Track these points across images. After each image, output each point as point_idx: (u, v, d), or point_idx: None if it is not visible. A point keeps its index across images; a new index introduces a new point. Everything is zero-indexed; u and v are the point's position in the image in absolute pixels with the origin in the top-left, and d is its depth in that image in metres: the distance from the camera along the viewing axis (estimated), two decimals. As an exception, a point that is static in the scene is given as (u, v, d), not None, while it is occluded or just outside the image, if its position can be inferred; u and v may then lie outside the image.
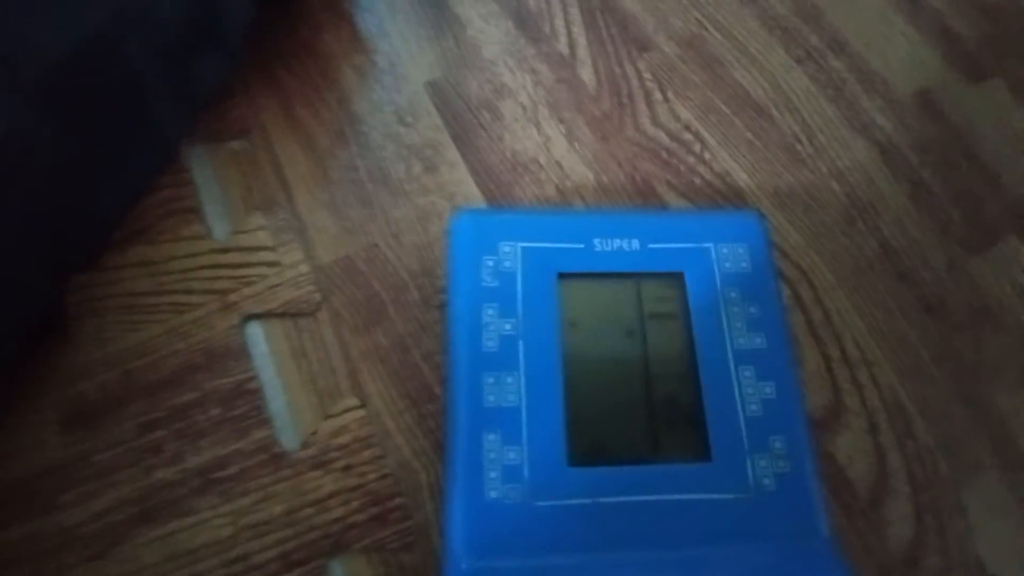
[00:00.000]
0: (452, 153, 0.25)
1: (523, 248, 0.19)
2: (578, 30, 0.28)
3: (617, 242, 0.19)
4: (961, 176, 0.26)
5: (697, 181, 0.25)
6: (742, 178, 0.25)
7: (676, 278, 0.19)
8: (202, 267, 0.22)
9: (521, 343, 0.17)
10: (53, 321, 0.21)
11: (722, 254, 0.19)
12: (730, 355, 0.18)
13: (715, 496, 0.16)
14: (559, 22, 0.28)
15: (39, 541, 0.18)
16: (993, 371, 0.22)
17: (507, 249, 0.19)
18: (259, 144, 0.25)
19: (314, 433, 0.20)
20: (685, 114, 0.26)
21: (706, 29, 0.28)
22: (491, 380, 0.17)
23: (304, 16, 0.28)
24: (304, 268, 0.22)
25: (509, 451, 0.16)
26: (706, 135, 0.26)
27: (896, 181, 0.25)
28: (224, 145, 0.24)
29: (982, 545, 0.20)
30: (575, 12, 0.29)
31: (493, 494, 0.16)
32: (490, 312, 0.18)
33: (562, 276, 0.19)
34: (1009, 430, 0.21)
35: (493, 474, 0.16)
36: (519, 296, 0.18)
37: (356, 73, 0.26)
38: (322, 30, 0.27)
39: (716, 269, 0.19)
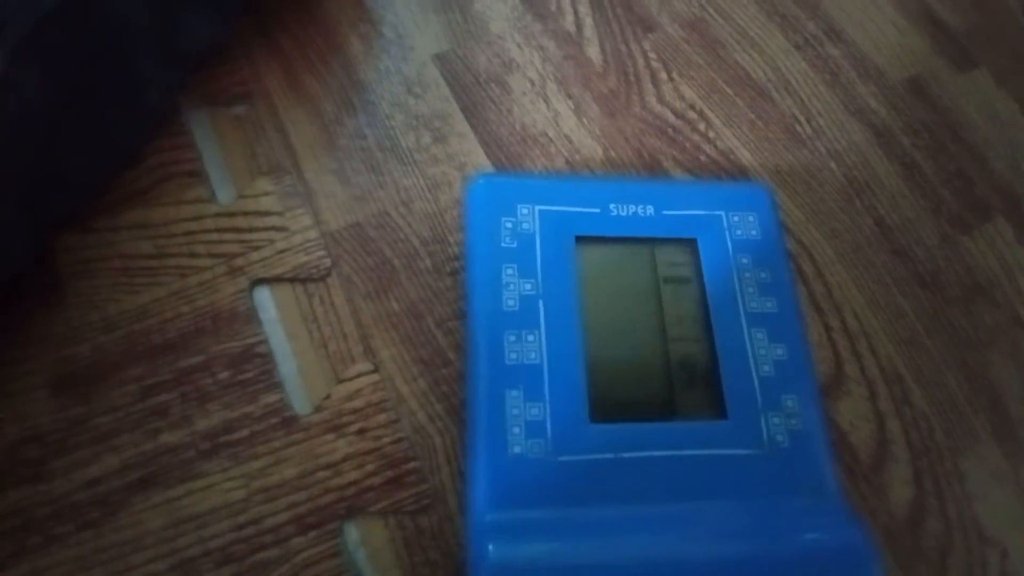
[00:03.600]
0: (462, 124, 0.25)
1: (540, 211, 0.19)
2: (584, 9, 0.28)
3: (632, 208, 0.19)
4: (951, 158, 0.27)
5: (702, 158, 0.25)
6: (745, 156, 0.26)
7: (689, 244, 0.19)
8: (206, 231, 0.21)
9: (541, 303, 0.18)
10: (37, 280, 0.20)
11: (733, 222, 0.20)
12: (743, 318, 0.18)
13: (731, 452, 0.17)
14: (565, 0, 0.28)
15: (26, 511, 0.18)
16: (984, 344, 0.23)
17: (525, 211, 0.19)
18: (262, 109, 0.24)
19: (327, 397, 0.19)
20: (689, 93, 0.27)
21: (708, 12, 0.29)
22: (512, 338, 0.17)
23: (308, -17, 0.27)
24: (313, 234, 0.22)
25: (531, 407, 0.16)
26: (710, 114, 0.26)
27: (890, 162, 0.26)
28: (226, 109, 0.24)
29: (981, 511, 0.20)
30: (581, -9, 0.29)
31: (516, 449, 0.16)
32: (510, 272, 0.18)
33: (579, 239, 0.19)
34: (1002, 401, 0.22)
35: (516, 430, 0.16)
36: (538, 257, 0.18)
37: (361, 42, 0.26)
38: (326, -2, 0.27)
39: (728, 236, 0.20)
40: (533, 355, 0.17)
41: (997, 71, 0.29)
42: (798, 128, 0.27)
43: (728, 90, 0.27)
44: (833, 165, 0.26)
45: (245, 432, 0.19)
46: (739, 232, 0.20)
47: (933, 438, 0.21)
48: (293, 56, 0.25)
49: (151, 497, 0.18)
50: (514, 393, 0.16)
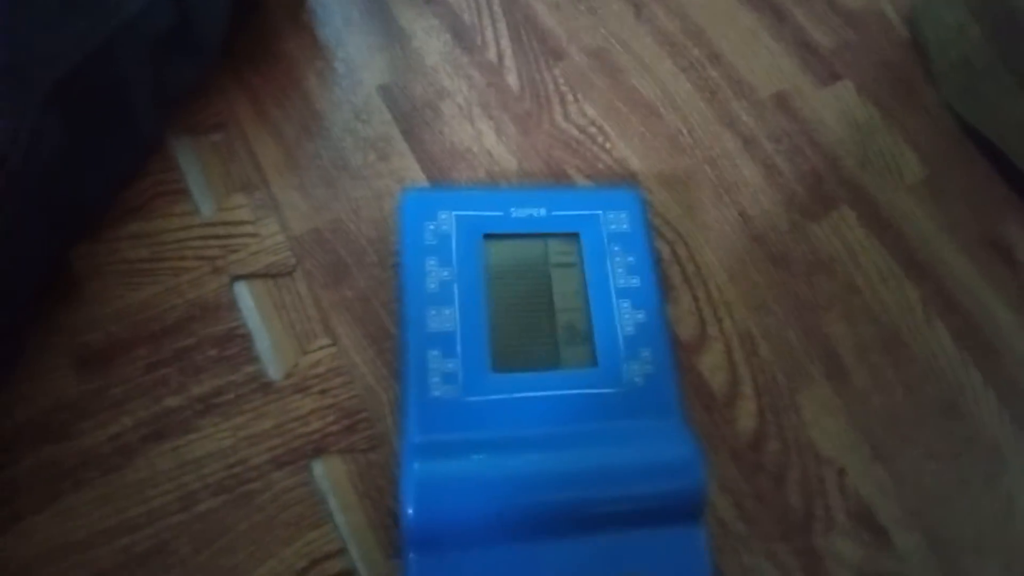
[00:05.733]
0: (401, 145, 0.30)
1: (456, 216, 0.24)
2: (505, 42, 0.34)
3: (529, 210, 0.25)
4: (805, 160, 0.33)
5: (600, 166, 0.31)
6: (635, 163, 0.31)
7: (574, 237, 0.25)
8: (193, 238, 0.27)
9: (455, 285, 0.23)
10: (59, 281, 0.25)
11: (608, 219, 0.26)
12: (613, 292, 0.24)
13: (600, 391, 0.22)
14: (489, 35, 0.34)
15: (59, 462, 0.22)
16: (822, 308, 0.29)
17: (444, 216, 0.24)
18: (235, 136, 0.29)
19: (295, 366, 0.25)
20: (591, 112, 0.32)
21: (610, 43, 0.35)
22: (433, 312, 0.23)
23: (270, 27, 0.32)
24: (280, 238, 0.27)
25: (448, 362, 0.22)
26: (608, 129, 0.32)
27: (754, 165, 0.32)
28: (205, 137, 0.29)
29: (815, 436, 0.27)
30: (502, 26, 0.34)
31: (436, 393, 0.21)
32: (431, 263, 0.23)
33: (487, 236, 0.24)
34: (834, 351, 0.29)
35: (436, 379, 0.22)
36: (453, 251, 0.24)
37: (317, 76, 0.31)
38: (286, 39, 0.32)
39: (603, 230, 0.25)
40: (449, 324, 0.22)
41: (860, 82, 0.35)
42: (680, 139, 0.32)
43: (624, 108, 0.33)
44: (707, 168, 0.32)
45: (231, 395, 0.24)
46: (613, 227, 0.26)
47: (775, 381, 0.28)
48: (260, 91, 0.30)
49: (160, 446, 0.23)
50: (434, 352, 0.22)
